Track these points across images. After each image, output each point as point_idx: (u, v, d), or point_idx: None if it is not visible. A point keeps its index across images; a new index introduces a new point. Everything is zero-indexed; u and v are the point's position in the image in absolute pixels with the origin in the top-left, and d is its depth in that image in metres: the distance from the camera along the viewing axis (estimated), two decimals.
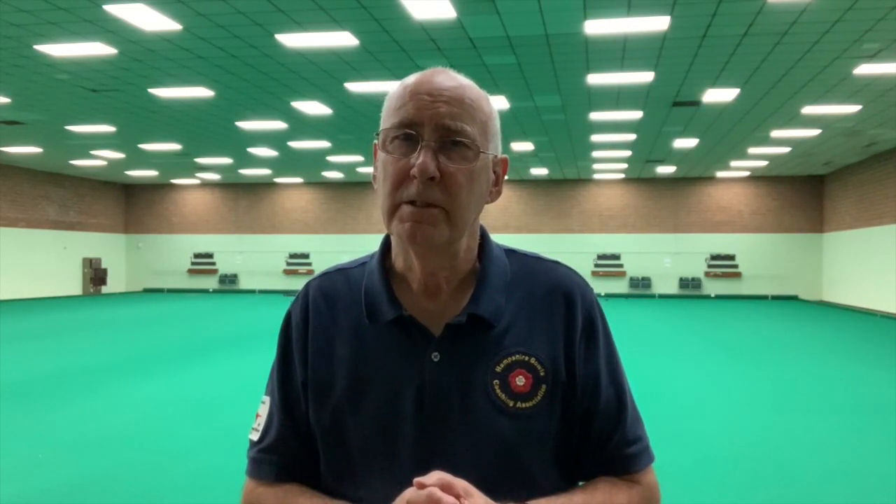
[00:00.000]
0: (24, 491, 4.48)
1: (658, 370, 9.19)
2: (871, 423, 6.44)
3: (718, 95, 12.33)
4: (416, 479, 0.82)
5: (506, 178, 1.04)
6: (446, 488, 0.82)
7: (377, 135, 0.98)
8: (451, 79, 0.96)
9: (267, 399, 1.07)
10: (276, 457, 1.03)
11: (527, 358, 0.97)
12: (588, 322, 1.02)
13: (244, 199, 27.57)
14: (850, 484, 4.73)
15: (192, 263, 28.03)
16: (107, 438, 5.72)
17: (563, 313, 1.00)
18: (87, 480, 4.70)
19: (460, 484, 0.83)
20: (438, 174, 0.91)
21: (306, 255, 27.15)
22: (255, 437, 1.06)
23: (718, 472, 4.93)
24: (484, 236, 1.06)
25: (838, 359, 10.56)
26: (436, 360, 0.96)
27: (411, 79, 0.97)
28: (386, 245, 1.06)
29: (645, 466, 1.03)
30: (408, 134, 0.93)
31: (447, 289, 1.00)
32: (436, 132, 0.92)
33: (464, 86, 0.96)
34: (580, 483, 1.03)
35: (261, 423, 1.06)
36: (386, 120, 0.97)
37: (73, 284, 25.30)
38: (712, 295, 24.76)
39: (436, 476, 0.82)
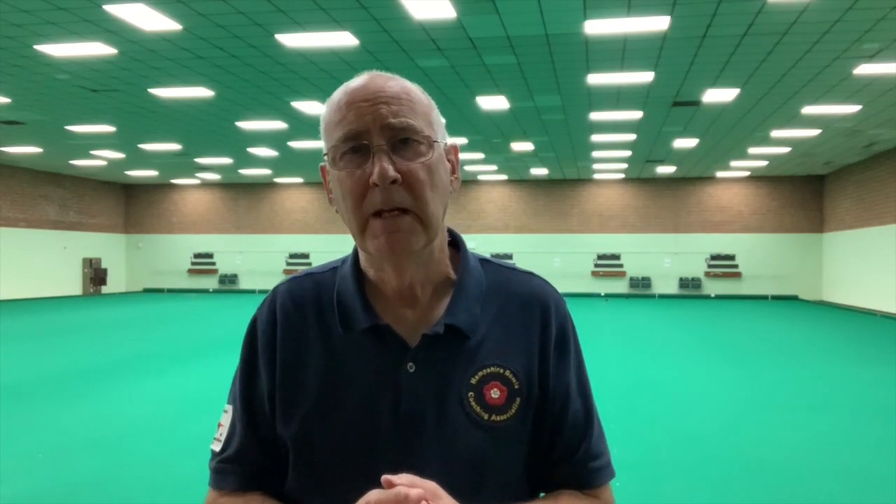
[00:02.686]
0: (24, 491, 4.48)
1: (658, 370, 9.19)
2: (871, 423, 6.44)
3: (718, 95, 12.32)
4: (385, 477, 0.80)
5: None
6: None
7: (325, 156, 0.95)
8: (383, 79, 0.94)
9: (229, 408, 1.03)
10: (238, 466, 1.00)
11: (502, 370, 0.96)
12: (561, 335, 1.01)
13: (244, 199, 27.57)
14: (850, 484, 4.73)
15: (192, 263, 28.03)
16: (107, 438, 5.72)
17: (538, 326, 1.00)
18: (87, 480, 4.70)
19: (429, 485, 0.82)
20: (399, 176, 0.89)
21: (306, 255, 27.15)
22: (216, 447, 1.03)
23: (718, 472, 4.93)
24: (461, 245, 1.04)
25: (838, 359, 10.56)
26: (411, 370, 0.94)
27: (342, 91, 0.95)
28: (358, 250, 1.04)
29: (606, 482, 1.02)
30: (356, 146, 0.90)
31: (423, 297, 0.98)
32: (384, 134, 0.89)
33: (397, 81, 0.95)
34: (541, 495, 1.02)
35: (223, 432, 1.03)
36: (329, 138, 0.93)
37: (73, 284, 25.31)
38: (712, 295, 24.76)
39: (405, 477, 0.81)
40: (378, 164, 0.88)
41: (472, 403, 0.94)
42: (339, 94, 0.95)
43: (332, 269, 1.04)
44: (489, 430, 0.94)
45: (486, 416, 0.94)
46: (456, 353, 0.95)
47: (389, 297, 0.98)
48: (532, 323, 0.99)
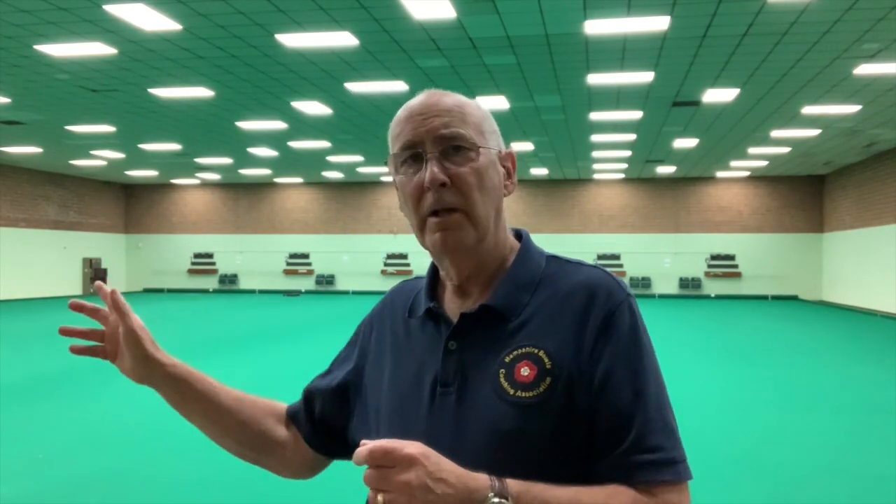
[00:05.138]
0: (24, 491, 4.48)
1: None
2: (871, 423, 6.44)
3: (718, 95, 12.33)
4: (363, 442, 0.82)
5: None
6: (389, 451, 0.81)
7: (387, 164, 1.09)
8: (439, 95, 1.06)
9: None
10: (301, 399, 1.22)
11: (535, 350, 0.99)
12: (609, 320, 1.00)
13: (244, 199, 27.57)
14: (850, 483, 4.73)
15: (192, 263, 28.04)
16: (107, 438, 5.72)
17: (579, 310, 1.01)
18: (88, 480, 4.70)
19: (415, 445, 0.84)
20: (448, 179, 0.99)
21: (306, 255, 27.15)
22: None
23: (718, 472, 4.94)
24: (524, 239, 1.12)
25: (838, 359, 10.56)
26: (452, 348, 1.03)
27: (403, 108, 1.07)
28: None
29: (664, 480, 0.95)
30: (412, 154, 1.02)
31: (476, 287, 1.07)
32: (436, 144, 1.01)
33: (451, 97, 1.06)
34: None
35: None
36: (392, 149, 1.06)
37: (73, 284, 25.31)
38: (712, 295, 24.77)
39: (385, 441, 0.83)
40: (430, 170, 0.99)
41: (502, 380, 0.99)
42: (401, 110, 1.07)
43: None
44: (514, 406, 0.96)
45: (512, 392, 0.97)
46: (495, 334, 1.02)
47: (451, 288, 1.10)
48: (575, 308, 1.01)
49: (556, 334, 1.00)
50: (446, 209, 1.00)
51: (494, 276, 1.07)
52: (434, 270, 1.13)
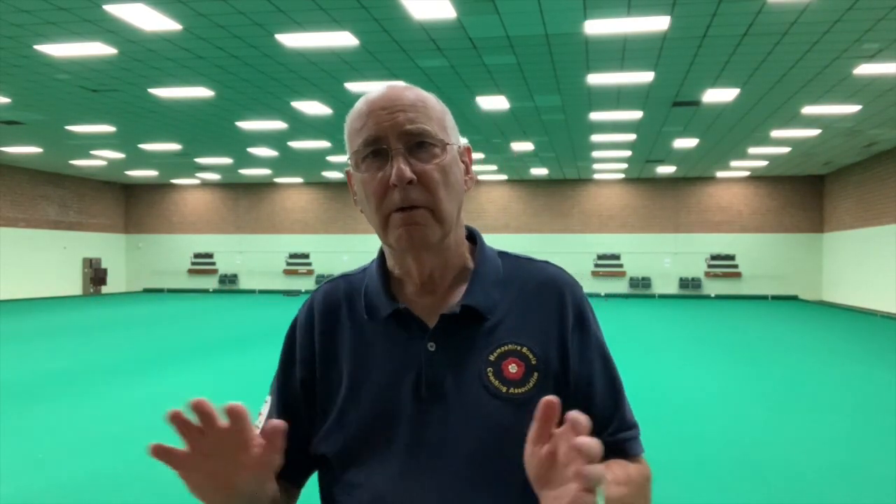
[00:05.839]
0: (24, 491, 4.48)
1: (658, 370, 9.19)
2: (871, 422, 6.44)
3: (718, 95, 12.33)
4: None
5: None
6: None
7: (349, 161, 1.04)
8: (401, 89, 1.03)
9: (269, 399, 1.13)
10: None
11: (519, 347, 1.02)
12: (579, 316, 1.07)
13: (244, 199, 27.57)
14: (850, 483, 4.73)
15: (192, 263, 28.04)
16: (107, 438, 5.72)
17: (554, 307, 1.05)
18: (87, 480, 4.70)
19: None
20: (415, 176, 0.97)
21: (306, 255, 27.15)
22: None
23: (718, 472, 4.94)
24: (477, 237, 1.12)
25: (838, 359, 10.56)
26: (432, 349, 1.01)
27: (363, 101, 1.03)
28: (383, 250, 1.12)
29: (642, 452, 1.08)
30: (376, 150, 0.99)
31: (442, 285, 1.06)
32: (401, 139, 0.98)
33: (413, 90, 1.03)
34: None
35: (261, 420, 1.11)
36: (352, 144, 1.02)
37: (73, 284, 25.31)
38: (712, 295, 24.76)
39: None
40: (396, 166, 0.97)
41: (491, 378, 1.00)
42: (360, 104, 1.03)
43: (363, 270, 1.14)
44: (508, 402, 0.99)
45: (504, 389, 0.99)
46: (474, 334, 1.03)
47: (412, 288, 1.07)
48: (549, 305, 1.05)
49: (534, 331, 1.03)
50: (412, 206, 0.97)
51: (460, 275, 1.07)
52: (384, 270, 1.09)
